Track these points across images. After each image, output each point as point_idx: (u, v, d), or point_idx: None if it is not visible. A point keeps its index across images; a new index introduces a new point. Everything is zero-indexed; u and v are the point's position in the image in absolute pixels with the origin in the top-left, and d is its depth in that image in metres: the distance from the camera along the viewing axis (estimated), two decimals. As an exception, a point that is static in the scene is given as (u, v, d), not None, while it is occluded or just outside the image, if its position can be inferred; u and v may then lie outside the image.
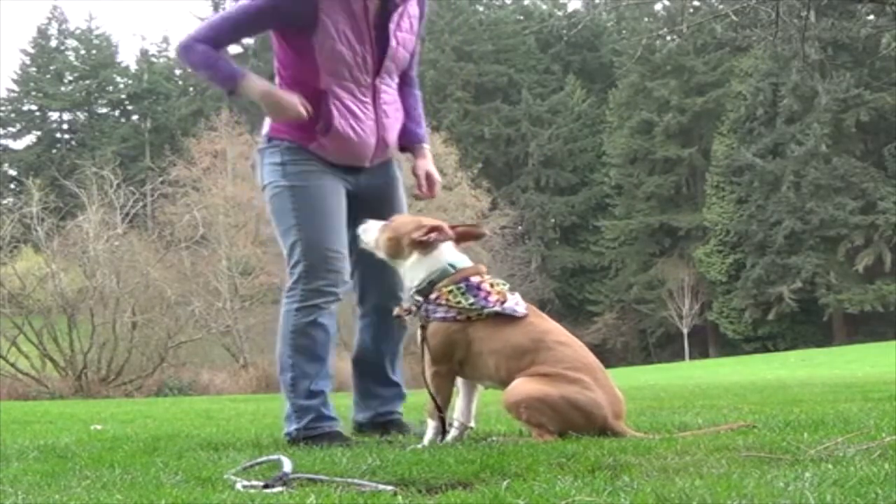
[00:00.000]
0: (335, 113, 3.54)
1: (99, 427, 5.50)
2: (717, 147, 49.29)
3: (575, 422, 3.17)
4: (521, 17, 60.72)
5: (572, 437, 3.10)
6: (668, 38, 43.38)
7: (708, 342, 50.09)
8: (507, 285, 3.41)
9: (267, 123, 3.67)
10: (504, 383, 3.29)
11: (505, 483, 2.27)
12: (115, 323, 23.72)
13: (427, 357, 3.35)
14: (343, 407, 3.93)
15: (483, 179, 41.84)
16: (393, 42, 3.57)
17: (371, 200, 3.70)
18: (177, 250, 29.19)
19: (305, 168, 3.58)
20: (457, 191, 36.51)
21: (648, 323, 50.15)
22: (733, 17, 12.91)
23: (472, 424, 3.44)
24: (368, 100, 3.58)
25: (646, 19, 50.61)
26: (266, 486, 2.35)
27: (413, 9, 3.68)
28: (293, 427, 3.54)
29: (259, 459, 2.82)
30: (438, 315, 3.28)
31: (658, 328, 49.82)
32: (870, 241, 45.54)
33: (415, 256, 3.36)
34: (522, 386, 3.19)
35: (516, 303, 3.30)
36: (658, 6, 49.27)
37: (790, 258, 45.92)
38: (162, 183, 32.74)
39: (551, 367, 3.21)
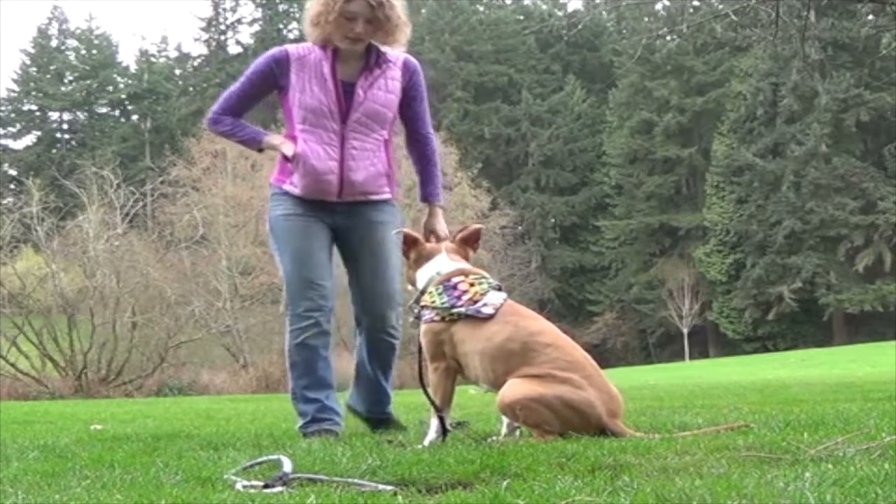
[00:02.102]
0: (302, 147, 4.07)
1: (99, 427, 5.50)
2: (717, 147, 49.28)
3: (570, 421, 3.18)
4: (521, 17, 60.71)
5: (572, 437, 3.10)
6: (668, 38, 43.38)
7: (708, 342, 50.08)
8: (492, 284, 3.49)
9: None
10: (496, 385, 3.31)
11: (505, 483, 2.27)
12: (115, 323, 23.71)
13: (427, 357, 3.49)
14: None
15: (483, 179, 41.85)
16: (360, 96, 4.05)
17: (352, 242, 4.21)
18: (177, 250, 29.21)
19: (285, 213, 4.17)
20: (457, 191, 36.52)
21: (648, 323, 50.14)
22: (733, 17, 12.90)
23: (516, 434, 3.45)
24: (336, 144, 4.07)
25: (646, 19, 50.57)
26: (266, 486, 2.35)
27: (393, 72, 4.14)
28: (297, 426, 4.15)
29: (259, 459, 2.82)
30: (426, 317, 3.50)
31: (658, 328, 49.82)
32: (870, 241, 45.53)
33: (419, 273, 3.65)
34: (516, 387, 3.22)
35: (484, 304, 3.40)
36: (658, 6, 49.28)
37: (790, 258, 45.91)
38: (162, 183, 32.74)
39: (539, 369, 3.23)
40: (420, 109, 4.27)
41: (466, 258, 3.67)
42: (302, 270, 4.11)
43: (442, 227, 4.13)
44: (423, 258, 3.64)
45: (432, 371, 3.46)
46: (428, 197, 4.25)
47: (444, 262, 3.59)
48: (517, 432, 3.38)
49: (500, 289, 3.51)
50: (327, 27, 4.00)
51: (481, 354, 3.33)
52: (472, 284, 3.46)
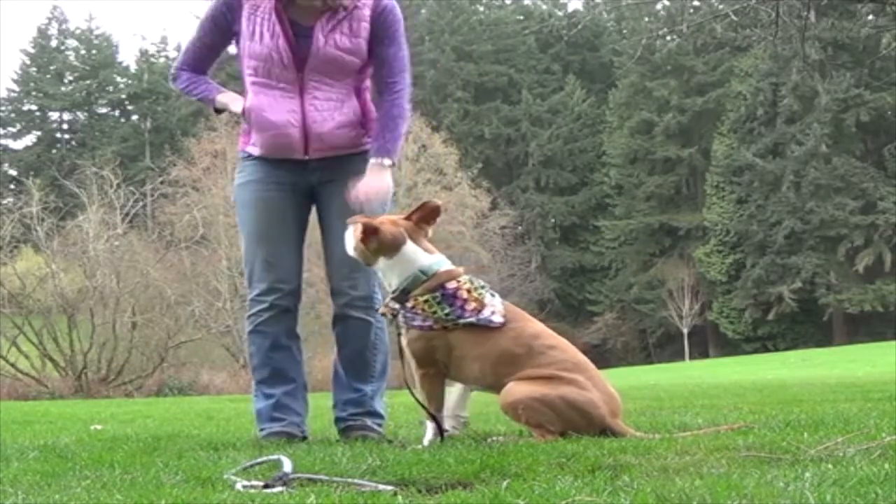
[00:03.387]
0: (251, 101, 3.68)
1: (99, 427, 5.50)
2: (717, 147, 49.29)
3: (573, 421, 3.19)
4: (521, 17, 60.69)
5: (572, 437, 3.10)
6: (668, 38, 43.34)
7: (708, 342, 50.08)
8: (487, 288, 3.38)
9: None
10: (492, 387, 3.31)
11: (505, 483, 2.27)
12: (115, 323, 23.71)
13: (412, 362, 3.37)
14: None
15: (483, 179, 41.84)
16: (319, 41, 3.60)
17: (326, 198, 3.77)
18: (177, 250, 29.18)
19: (245, 181, 3.79)
20: (457, 191, 36.54)
21: (648, 323, 50.13)
22: (733, 17, 12.91)
23: (466, 413, 3.49)
24: (293, 94, 3.64)
25: (646, 19, 50.53)
26: (266, 486, 2.35)
27: (362, 12, 3.65)
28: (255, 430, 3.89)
29: (259, 459, 2.82)
30: (416, 323, 3.31)
31: (658, 328, 49.81)
32: (870, 241, 45.53)
33: (382, 261, 3.38)
34: (519, 388, 3.21)
35: (493, 311, 3.29)
36: (658, 6, 49.25)
37: (790, 258, 45.92)
38: (162, 183, 32.75)
39: (544, 370, 3.23)
40: (387, 54, 3.68)
41: (425, 237, 3.41)
42: (258, 248, 3.73)
43: (372, 182, 3.58)
44: (387, 248, 3.33)
45: (421, 377, 3.36)
46: (373, 152, 3.65)
47: (420, 256, 3.35)
48: (462, 420, 3.42)
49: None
50: None
51: (482, 359, 3.29)
52: (469, 291, 3.31)
